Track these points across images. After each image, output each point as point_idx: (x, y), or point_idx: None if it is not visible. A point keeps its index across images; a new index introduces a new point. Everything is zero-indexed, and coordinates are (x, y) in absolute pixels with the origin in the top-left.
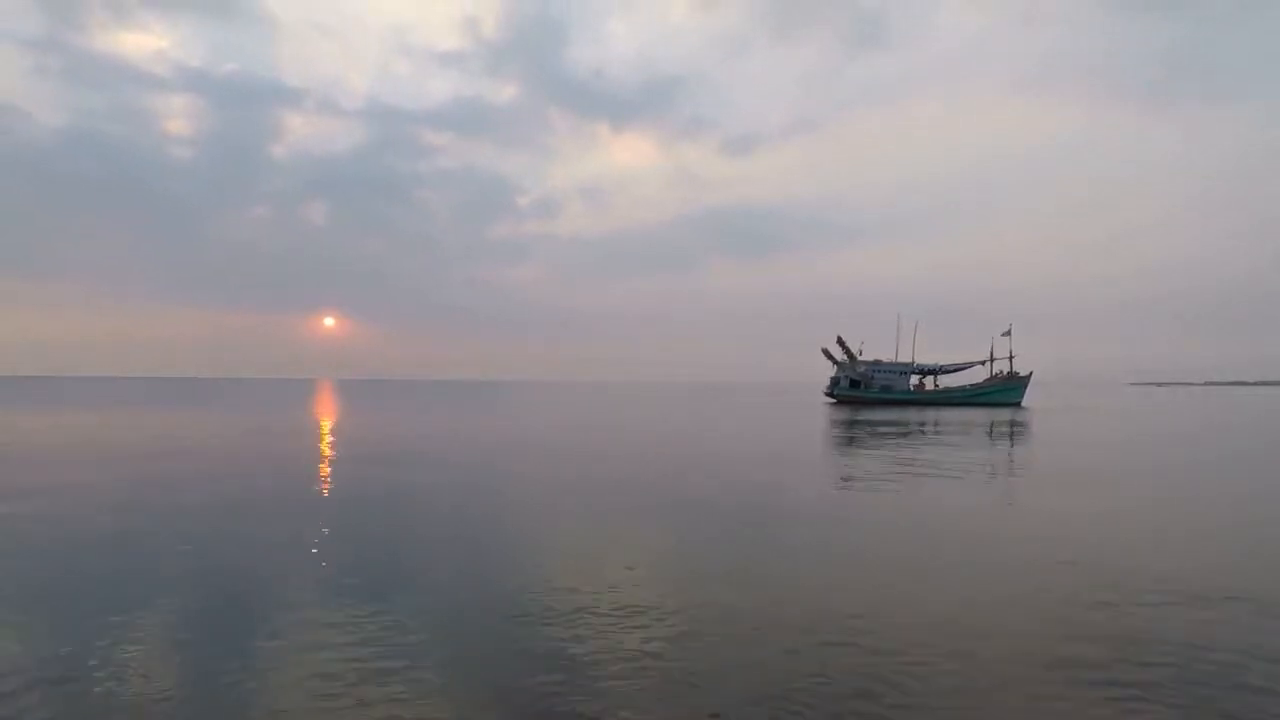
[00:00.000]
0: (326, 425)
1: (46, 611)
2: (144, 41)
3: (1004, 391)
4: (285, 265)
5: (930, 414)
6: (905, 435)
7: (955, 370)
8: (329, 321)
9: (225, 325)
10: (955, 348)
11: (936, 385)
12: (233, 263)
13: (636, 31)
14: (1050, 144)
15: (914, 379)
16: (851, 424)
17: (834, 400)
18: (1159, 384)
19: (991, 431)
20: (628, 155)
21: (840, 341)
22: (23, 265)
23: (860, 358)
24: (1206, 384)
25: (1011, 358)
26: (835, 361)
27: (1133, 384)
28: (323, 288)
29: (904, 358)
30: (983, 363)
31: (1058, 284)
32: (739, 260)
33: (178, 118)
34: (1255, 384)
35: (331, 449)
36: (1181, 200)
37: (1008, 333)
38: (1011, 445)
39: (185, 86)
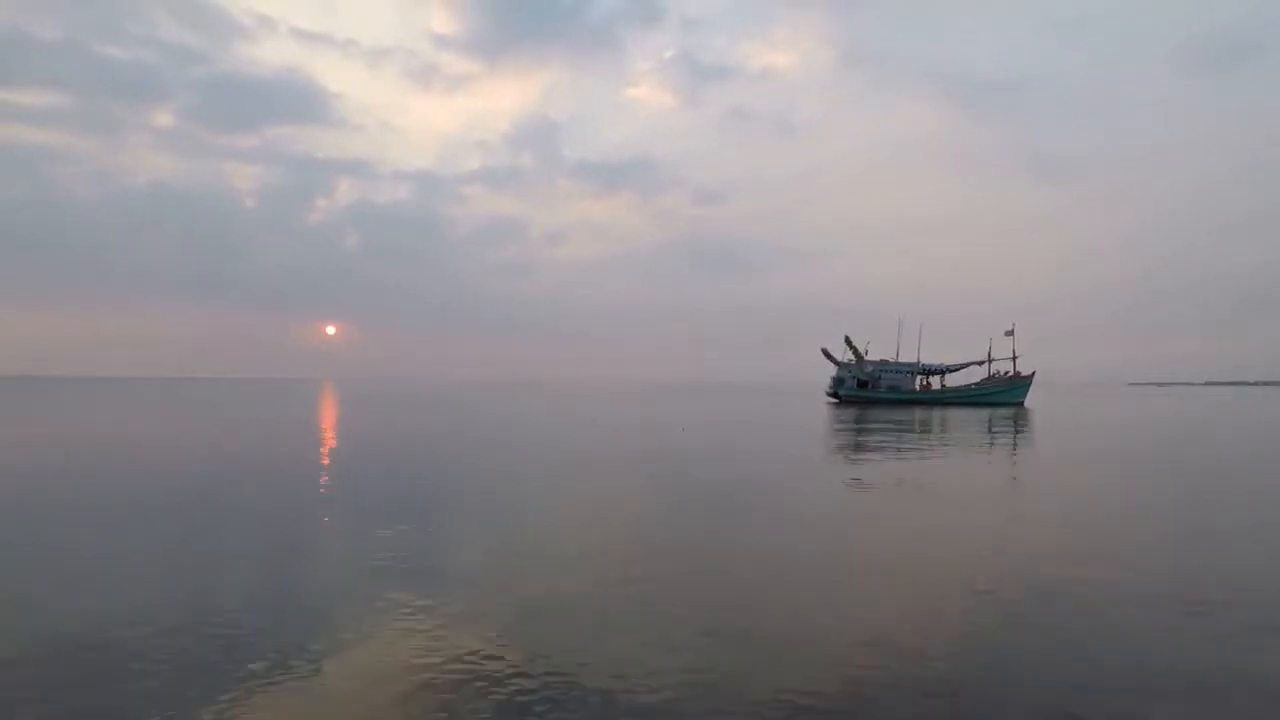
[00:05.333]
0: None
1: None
2: (249, 140)
3: (1007, 391)
4: (318, 282)
5: (936, 413)
6: (909, 431)
7: (959, 370)
8: (330, 330)
9: (256, 334)
10: (955, 349)
11: (943, 385)
12: (271, 279)
13: (622, 129)
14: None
15: (918, 379)
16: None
17: (838, 400)
18: (1159, 384)
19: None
20: (617, 203)
21: (848, 341)
22: (99, 284)
23: (866, 358)
24: (1207, 384)
25: (1015, 358)
26: (836, 362)
27: (1132, 384)
28: (349, 299)
29: (902, 358)
30: (990, 362)
31: (1056, 284)
32: (718, 277)
33: (250, 179)
34: (1256, 384)
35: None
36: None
37: (1010, 332)
38: (1014, 439)
39: (264, 161)
